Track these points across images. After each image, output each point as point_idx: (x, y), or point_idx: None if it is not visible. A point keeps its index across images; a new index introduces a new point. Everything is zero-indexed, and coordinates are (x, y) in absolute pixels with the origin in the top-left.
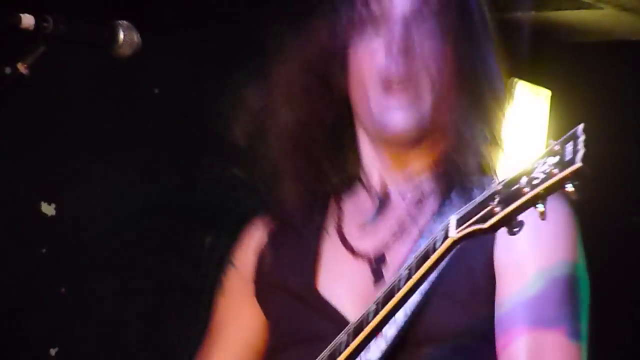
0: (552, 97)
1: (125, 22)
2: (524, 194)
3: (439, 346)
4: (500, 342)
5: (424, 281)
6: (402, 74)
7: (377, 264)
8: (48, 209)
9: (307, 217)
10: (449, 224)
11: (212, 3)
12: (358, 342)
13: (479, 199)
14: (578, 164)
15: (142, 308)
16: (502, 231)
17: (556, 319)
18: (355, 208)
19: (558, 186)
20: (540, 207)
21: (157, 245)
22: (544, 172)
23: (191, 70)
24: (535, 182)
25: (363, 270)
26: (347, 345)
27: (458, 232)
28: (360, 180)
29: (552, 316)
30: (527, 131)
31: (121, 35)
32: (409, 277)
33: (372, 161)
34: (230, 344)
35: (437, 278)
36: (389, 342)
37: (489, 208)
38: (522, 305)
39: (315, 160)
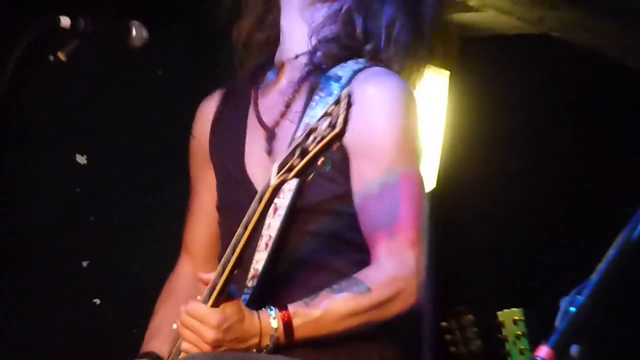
0: (450, 77)
1: (136, 21)
2: (309, 152)
3: (317, 209)
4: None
5: (267, 211)
6: None
7: (269, 139)
8: (81, 159)
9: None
10: (272, 172)
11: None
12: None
13: (290, 148)
14: (339, 129)
15: (146, 230)
16: (352, 117)
17: (396, 167)
18: (265, 94)
19: (329, 145)
20: (321, 161)
21: (157, 185)
22: (320, 134)
23: (185, 57)
24: (317, 140)
25: (266, 152)
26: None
27: (275, 180)
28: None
29: (394, 164)
30: (430, 104)
31: (133, 31)
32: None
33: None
34: (205, 198)
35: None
36: (282, 216)
37: (292, 161)
38: (374, 196)
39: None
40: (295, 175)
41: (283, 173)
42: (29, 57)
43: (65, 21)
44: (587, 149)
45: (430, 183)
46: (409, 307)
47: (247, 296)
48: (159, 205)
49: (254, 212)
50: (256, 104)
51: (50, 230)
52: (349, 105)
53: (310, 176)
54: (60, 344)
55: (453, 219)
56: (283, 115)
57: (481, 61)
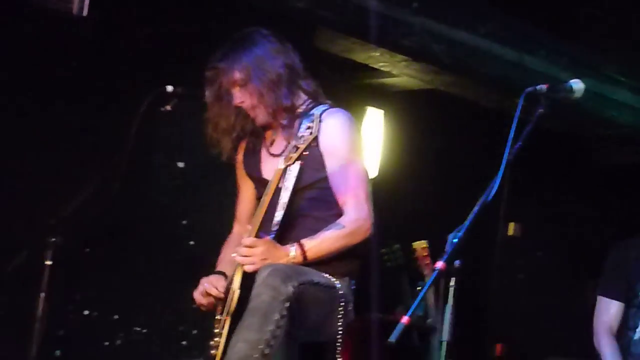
0: (384, 113)
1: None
2: (299, 148)
3: (308, 188)
4: (337, 193)
5: (278, 185)
6: (248, 110)
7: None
8: (180, 164)
9: (254, 143)
10: (279, 162)
11: None
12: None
13: (290, 147)
14: (315, 134)
15: (218, 203)
16: (321, 130)
17: (349, 161)
18: (268, 139)
19: (309, 144)
20: (306, 152)
21: (222, 179)
22: (305, 137)
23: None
24: (302, 139)
25: (275, 162)
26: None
27: (283, 165)
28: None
29: (348, 160)
30: (373, 128)
31: (208, 93)
32: (271, 187)
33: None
34: (246, 192)
35: (303, 157)
36: (289, 190)
37: (290, 151)
38: (338, 176)
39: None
40: (292, 162)
41: (286, 162)
42: (151, 108)
43: (169, 88)
44: (463, 152)
45: (374, 172)
46: (367, 236)
47: (273, 235)
48: (223, 190)
49: (271, 185)
50: (266, 146)
51: (164, 204)
52: (320, 121)
53: (302, 161)
54: (170, 267)
55: (388, 193)
56: (285, 146)
57: (400, 104)
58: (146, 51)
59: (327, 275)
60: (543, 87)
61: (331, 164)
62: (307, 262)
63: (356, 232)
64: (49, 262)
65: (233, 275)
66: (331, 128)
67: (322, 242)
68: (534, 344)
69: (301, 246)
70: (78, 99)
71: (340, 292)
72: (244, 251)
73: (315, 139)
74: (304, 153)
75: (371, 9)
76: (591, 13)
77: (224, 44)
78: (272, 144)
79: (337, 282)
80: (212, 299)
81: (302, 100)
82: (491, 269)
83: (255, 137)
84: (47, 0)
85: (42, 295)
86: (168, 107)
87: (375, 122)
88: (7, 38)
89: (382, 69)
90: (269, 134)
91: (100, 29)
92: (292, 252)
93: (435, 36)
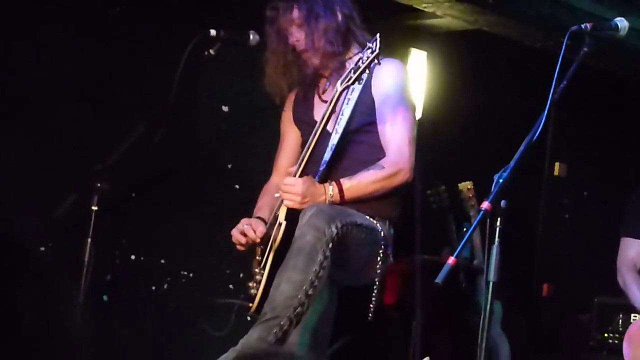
0: (427, 54)
1: (253, 31)
2: (359, 67)
3: (358, 132)
4: (382, 136)
5: (335, 108)
6: (302, 51)
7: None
8: (225, 108)
9: (306, 91)
10: (337, 84)
11: None
12: (319, 133)
13: (349, 67)
14: (377, 51)
15: (260, 145)
16: (375, 77)
17: (399, 107)
18: (321, 85)
19: (371, 62)
20: (367, 70)
21: (263, 124)
22: (367, 56)
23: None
24: (363, 60)
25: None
26: (315, 134)
27: (340, 87)
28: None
29: (397, 106)
30: (417, 68)
31: (251, 37)
32: (328, 108)
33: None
34: (290, 141)
35: (354, 105)
36: (339, 133)
37: (349, 74)
38: (386, 120)
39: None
40: (352, 82)
41: (345, 82)
42: (195, 52)
43: (213, 32)
44: (507, 92)
45: (418, 114)
46: (407, 180)
47: (319, 174)
48: (267, 134)
49: (327, 110)
50: (319, 93)
51: (209, 148)
52: (380, 42)
53: (363, 81)
54: (215, 211)
55: (432, 134)
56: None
57: (444, 45)
58: None
59: (369, 217)
60: (588, 25)
61: (381, 108)
62: (344, 202)
63: (395, 175)
64: (95, 208)
65: (277, 211)
66: (385, 74)
67: (360, 182)
68: (581, 284)
69: (339, 185)
70: (122, 45)
71: (381, 235)
72: (285, 189)
73: (377, 56)
74: (364, 73)
75: None
76: None
77: None
78: (324, 92)
79: (378, 225)
80: (248, 240)
81: (356, 50)
82: (537, 209)
83: (306, 86)
84: None
85: (89, 240)
86: (212, 51)
87: (418, 63)
88: None
89: (425, 9)
90: (322, 82)
91: None
92: (330, 190)
93: None
